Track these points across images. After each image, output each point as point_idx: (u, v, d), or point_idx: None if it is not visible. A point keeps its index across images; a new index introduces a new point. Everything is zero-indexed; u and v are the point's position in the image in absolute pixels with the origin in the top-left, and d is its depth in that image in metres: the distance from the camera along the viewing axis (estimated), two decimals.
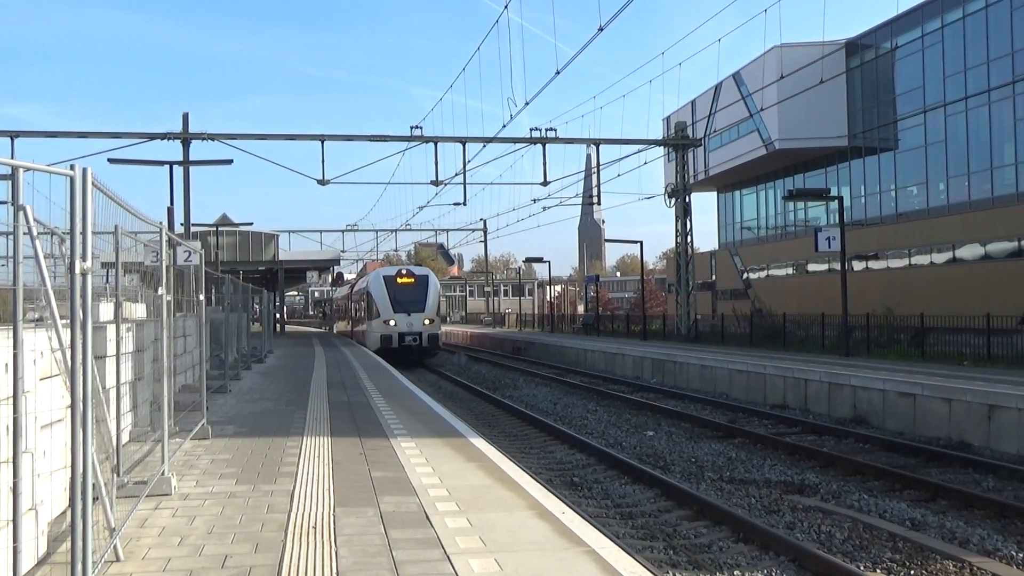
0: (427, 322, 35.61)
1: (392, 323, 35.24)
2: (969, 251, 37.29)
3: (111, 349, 8.08)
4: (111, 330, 8.03)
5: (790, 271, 51.24)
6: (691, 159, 39.85)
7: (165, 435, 8.01)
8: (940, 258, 39.08)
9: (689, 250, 38.58)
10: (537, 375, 30.84)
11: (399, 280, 36.71)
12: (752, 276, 55.54)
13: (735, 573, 8.35)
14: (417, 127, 33.98)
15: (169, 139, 32.51)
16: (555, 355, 38.28)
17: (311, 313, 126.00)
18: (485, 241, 71.13)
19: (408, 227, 63.29)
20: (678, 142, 38.17)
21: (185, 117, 32.64)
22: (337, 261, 67.53)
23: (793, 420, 18.22)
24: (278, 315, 53.42)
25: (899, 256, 41.70)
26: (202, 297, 11.92)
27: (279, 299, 56.44)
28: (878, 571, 8.47)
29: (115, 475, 6.52)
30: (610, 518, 10.48)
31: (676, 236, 38.36)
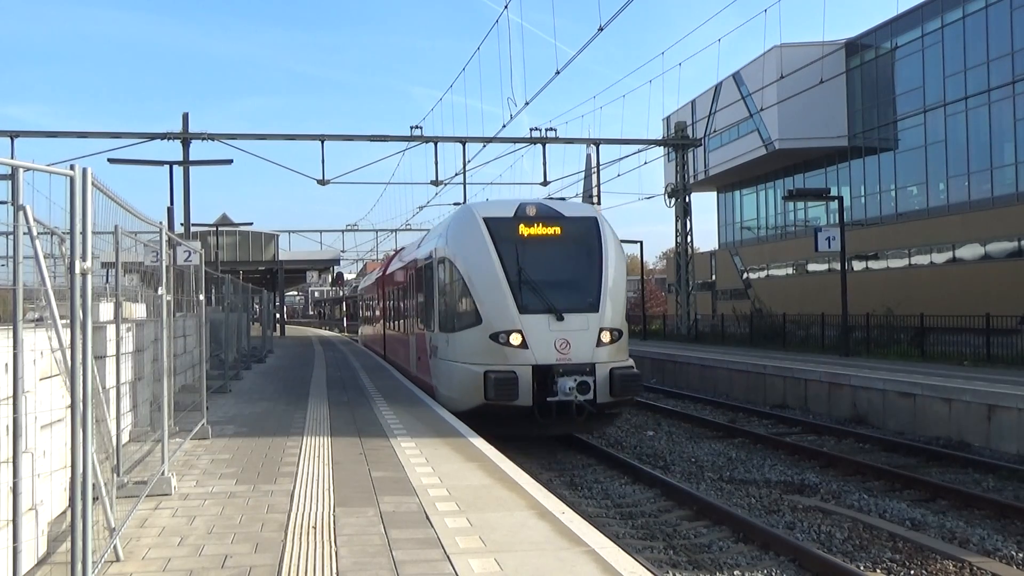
0: (606, 337, 14.16)
1: (516, 342, 13.85)
2: (969, 251, 37.28)
3: (111, 349, 8.08)
4: (111, 330, 8.03)
5: (790, 271, 51.23)
6: (691, 159, 39.85)
7: (165, 435, 8.01)
8: (940, 258, 39.07)
9: (689, 250, 38.58)
10: None
11: (528, 231, 14.86)
12: (752, 276, 55.54)
13: (735, 573, 8.35)
14: (417, 127, 33.98)
15: (169, 139, 32.51)
16: None
17: (311, 313, 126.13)
18: None
19: (408, 227, 63.21)
20: (678, 142, 38.17)
21: (185, 117, 32.65)
22: (337, 261, 67.61)
23: (793, 420, 18.22)
24: (278, 315, 53.41)
25: (899, 256, 41.70)
26: (202, 297, 11.92)
27: (279, 299, 56.46)
28: (878, 571, 8.47)
29: (115, 475, 6.52)
30: (610, 518, 10.48)
31: (676, 236, 38.37)
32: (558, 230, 14.89)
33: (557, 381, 13.35)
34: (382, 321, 28.50)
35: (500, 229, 14.62)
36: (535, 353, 13.59)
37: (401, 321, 22.35)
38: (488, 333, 13.82)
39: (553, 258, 14.57)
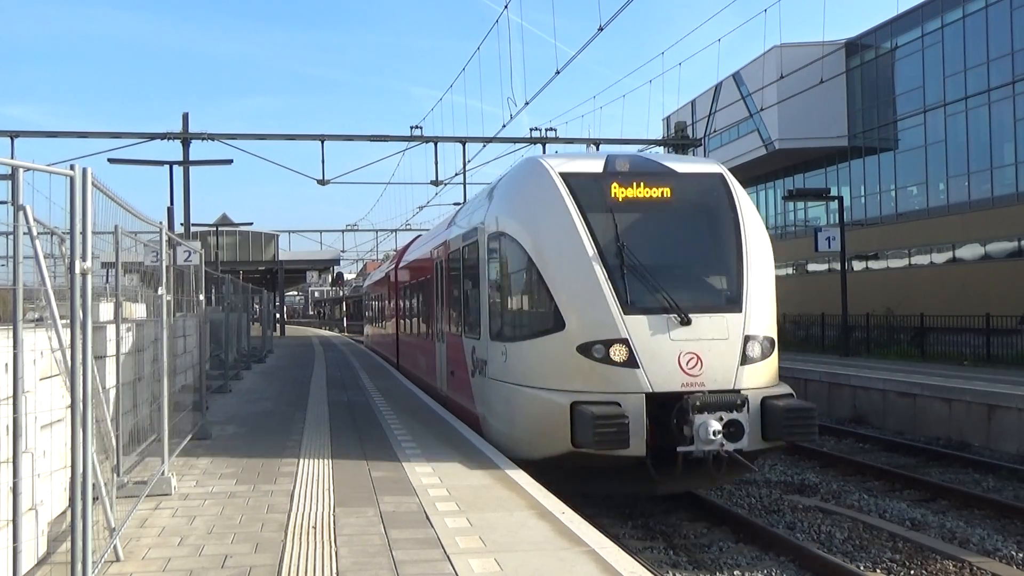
0: (754, 350, 9.59)
1: (620, 357, 9.26)
2: (969, 251, 37.28)
3: (111, 349, 8.08)
4: (111, 330, 8.03)
5: (790, 271, 51.24)
6: None
7: (165, 435, 8.01)
8: (940, 258, 39.07)
9: None
10: None
11: (626, 192, 10.34)
12: None
13: (735, 573, 8.36)
14: (417, 127, 33.94)
15: (169, 139, 32.49)
16: None
17: (311, 313, 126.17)
18: None
19: (408, 227, 63.17)
20: (678, 142, 38.16)
21: (185, 117, 32.63)
22: (337, 261, 67.65)
23: None
24: (278, 315, 53.45)
25: (899, 256, 41.70)
26: (202, 297, 11.92)
27: (279, 299, 56.48)
28: (878, 571, 8.48)
29: (115, 475, 6.52)
30: (610, 518, 10.48)
31: None
32: (669, 191, 10.45)
33: (693, 420, 8.82)
34: (395, 321, 23.27)
35: (586, 190, 10.18)
36: (649, 374, 9.16)
37: (423, 323, 17.64)
38: (575, 344, 9.38)
39: (667, 232, 10.35)
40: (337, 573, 5.47)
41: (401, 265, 22.31)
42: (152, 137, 32.63)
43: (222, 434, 11.34)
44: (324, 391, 17.05)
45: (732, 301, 9.71)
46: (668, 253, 10.12)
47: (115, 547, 5.75)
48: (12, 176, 4.60)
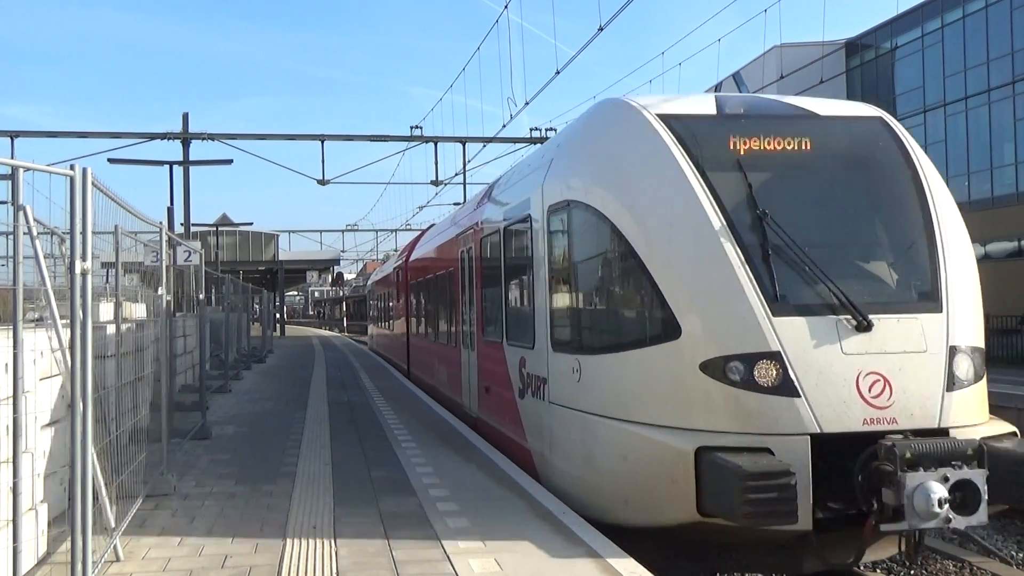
0: (963, 368, 6.53)
1: (768, 379, 6.27)
2: None
3: (111, 349, 8.08)
4: (111, 330, 8.03)
5: None
6: None
7: (165, 435, 8.01)
8: None
9: None
10: None
11: (754, 144, 7.30)
12: None
13: (735, 574, 8.35)
14: (417, 127, 33.98)
15: (169, 139, 32.51)
16: None
17: (311, 313, 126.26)
18: None
19: (408, 227, 63.18)
20: None
21: (185, 117, 32.65)
22: (337, 261, 67.70)
23: None
24: (278, 315, 53.46)
25: None
26: (202, 297, 11.92)
27: (279, 299, 56.49)
28: (878, 571, 8.47)
29: (115, 475, 6.52)
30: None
31: None
32: (815, 141, 7.53)
33: (903, 481, 5.81)
34: (404, 321, 19.99)
35: (700, 139, 7.34)
36: (815, 406, 6.26)
37: (443, 324, 14.68)
38: (696, 360, 6.54)
39: (820, 197, 7.41)
40: (337, 573, 5.47)
41: (415, 255, 18.87)
42: (152, 137, 32.64)
43: (222, 434, 11.34)
44: (324, 392, 17.04)
45: (927, 296, 6.88)
46: (826, 228, 7.19)
47: (115, 547, 5.75)
48: (12, 176, 4.61)
